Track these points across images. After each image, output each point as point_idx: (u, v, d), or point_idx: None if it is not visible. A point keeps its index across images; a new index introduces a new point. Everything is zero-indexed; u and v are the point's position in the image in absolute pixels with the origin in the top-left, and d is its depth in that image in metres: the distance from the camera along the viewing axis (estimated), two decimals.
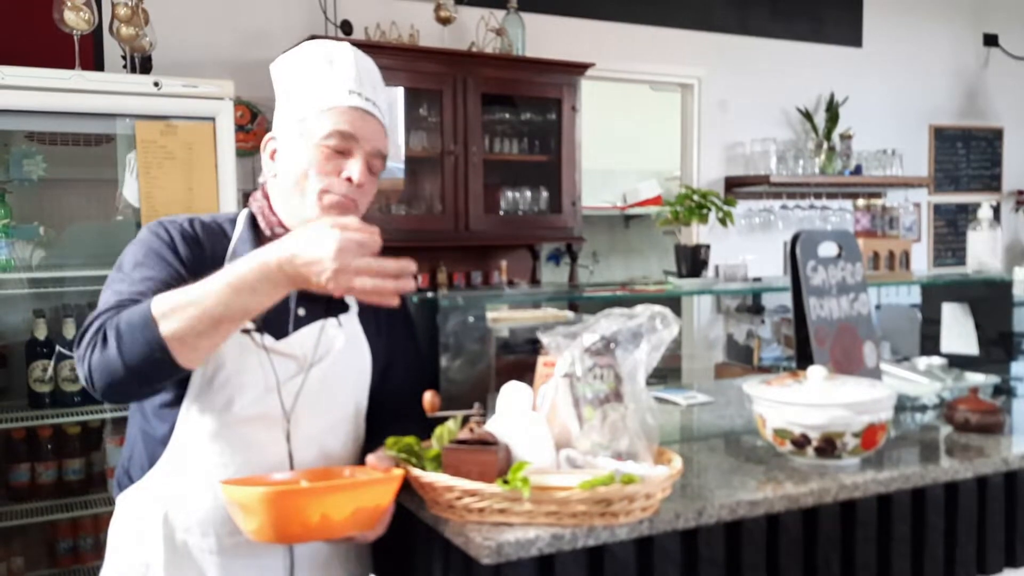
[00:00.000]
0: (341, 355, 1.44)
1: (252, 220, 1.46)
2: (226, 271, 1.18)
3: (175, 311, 1.17)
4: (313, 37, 3.69)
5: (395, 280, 1.15)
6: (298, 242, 1.15)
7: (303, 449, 1.40)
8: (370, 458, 1.36)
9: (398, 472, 1.28)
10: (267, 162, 1.46)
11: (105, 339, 1.20)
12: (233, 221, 1.47)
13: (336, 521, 1.18)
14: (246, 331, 1.35)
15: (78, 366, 1.25)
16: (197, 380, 1.35)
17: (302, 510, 1.16)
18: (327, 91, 1.40)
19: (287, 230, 1.40)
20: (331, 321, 1.44)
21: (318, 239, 1.14)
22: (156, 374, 1.22)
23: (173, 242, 1.37)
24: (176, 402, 1.36)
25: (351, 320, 1.48)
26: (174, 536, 1.36)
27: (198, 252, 1.38)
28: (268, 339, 1.37)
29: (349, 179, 1.38)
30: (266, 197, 1.46)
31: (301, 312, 1.42)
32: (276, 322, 1.38)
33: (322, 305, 1.44)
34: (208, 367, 1.34)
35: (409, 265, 1.17)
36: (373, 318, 1.51)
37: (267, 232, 1.43)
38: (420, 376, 1.58)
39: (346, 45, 1.46)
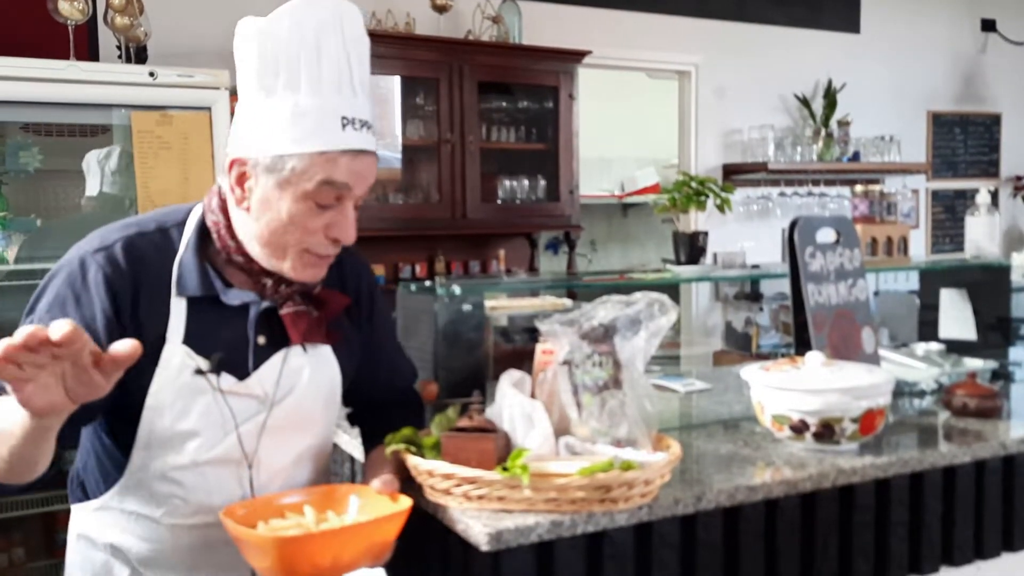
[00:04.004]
0: (307, 388, 1.31)
1: (202, 228, 1.28)
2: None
3: None
4: None
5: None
6: None
7: (267, 485, 1.30)
8: (375, 483, 1.27)
9: (407, 502, 1.24)
10: (229, 182, 1.25)
11: None
12: (182, 225, 1.29)
13: (346, 560, 1.16)
14: (200, 372, 1.22)
15: None
16: (146, 426, 1.23)
17: (314, 554, 1.13)
18: (314, 124, 1.18)
19: (247, 256, 1.26)
20: (295, 350, 1.30)
21: None
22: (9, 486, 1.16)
23: (98, 284, 1.20)
24: (131, 427, 1.24)
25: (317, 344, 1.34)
26: (130, 563, 1.29)
27: (136, 277, 1.22)
28: (226, 380, 1.24)
29: (336, 239, 1.24)
30: (224, 212, 1.27)
31: (261, 341, 1.28)
32: (234, 357, 1.24)
33: (283, 332, 1.29)
34: (162, 415, 1.23)
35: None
36: (343, 326, 1.38)
37: (223, 254, 1.27)
38: (401, 361, 1.54)
39: (332, 25, 1.20)
